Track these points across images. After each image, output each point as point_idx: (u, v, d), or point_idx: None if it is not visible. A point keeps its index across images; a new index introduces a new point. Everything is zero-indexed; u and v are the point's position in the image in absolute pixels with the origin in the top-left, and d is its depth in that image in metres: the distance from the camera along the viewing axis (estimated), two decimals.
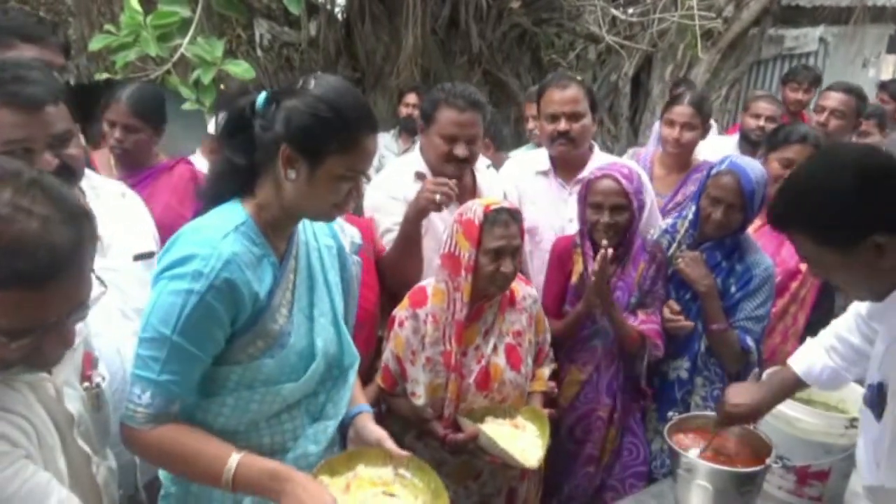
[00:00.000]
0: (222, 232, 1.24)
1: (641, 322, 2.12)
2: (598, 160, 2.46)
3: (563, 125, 2.37)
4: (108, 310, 1.28)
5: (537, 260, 2.41)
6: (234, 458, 1.22)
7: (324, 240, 1.48)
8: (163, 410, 1.23)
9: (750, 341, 2.14)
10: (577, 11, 5.48)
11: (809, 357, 1.73)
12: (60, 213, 0.92)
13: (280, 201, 1.29)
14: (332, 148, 1.24)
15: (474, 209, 1.83)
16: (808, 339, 1.77)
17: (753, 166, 2.16)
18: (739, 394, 1.76)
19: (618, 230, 2.08)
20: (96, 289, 1.02)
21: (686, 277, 2.16)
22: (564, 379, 2.15)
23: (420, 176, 2.34)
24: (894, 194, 1.17)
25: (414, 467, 1.37)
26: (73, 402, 1.15)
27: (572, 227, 2.30)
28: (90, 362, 1.23)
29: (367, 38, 5.32)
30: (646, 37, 5.80)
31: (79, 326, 1.13)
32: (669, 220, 2.36)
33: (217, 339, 1.25)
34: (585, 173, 2.37)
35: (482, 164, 2.56)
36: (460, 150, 2.16)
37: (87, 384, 1.19)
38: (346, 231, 1.60)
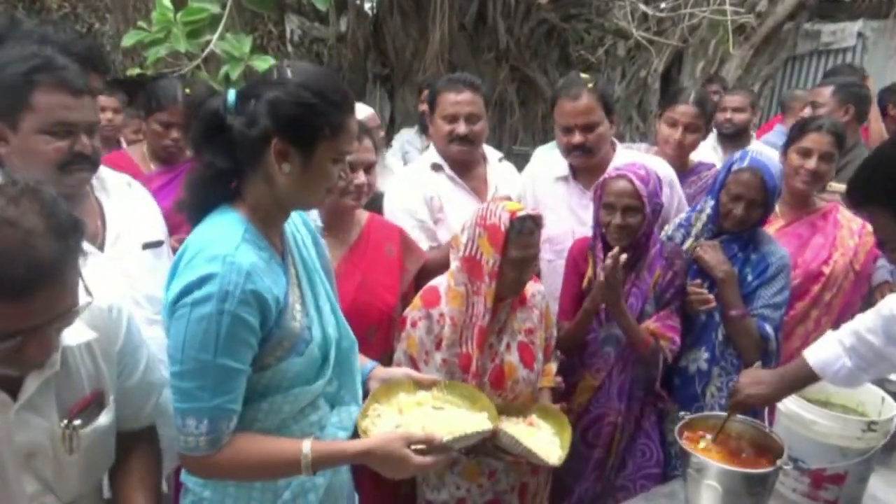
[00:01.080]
0: (233, 244, 1.21)
1: (657, 318, 2.11)
2: (621, 159, 2.41)
3: (577, 138, 2.32)
4: (121, 299, 1.29)
5: (558, 269, 2.32)
6: (307, 447, 1.26)
7: (301, 228, 1.48)
8: (224, 431, 1.24)
9: (769, 328, 2.12)
10: (607, 7, 5.43)
11: (827, 352, 1.70)
12: (48, 225, 0.93)
13: (273, 197, 1.28)
14: (323, 134, 1.23)
15: (499, 214, 1.80)
16: (829, 332, 1.75)
17: (773, 162, 2.15)
18: (753, 382, 1.76)
19: (630, 232, 2.05)
20: (83, 298, 1.03)
21: (704, 265, 2.15)
22: (578, 385, 2.14)
23: (436, 167, 2.38)
24: None
25: (445, 386, 1.57)
26: (35, 433, 1.10)
27: None
28: (91, 402, 1.18)
29: (396, 34, 5.35)
30: (676, 32, 5.71)
31: (89, 368, 1.15)
32: (683, 214, 2.34)
33: (253, 346, 1.24)
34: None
35: (494, 156, 2.57)
36: (461, 128, 2.31)
37: (65, 421, 1.14)
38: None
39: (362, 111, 2.56)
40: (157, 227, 1.80)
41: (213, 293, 1.16)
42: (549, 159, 2.62)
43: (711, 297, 2.14)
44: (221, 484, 1.35)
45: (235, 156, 1.24)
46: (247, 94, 1.24)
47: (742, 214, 2.10)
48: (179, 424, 1.22)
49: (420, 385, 1.53)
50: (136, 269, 1.69)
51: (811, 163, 2.37)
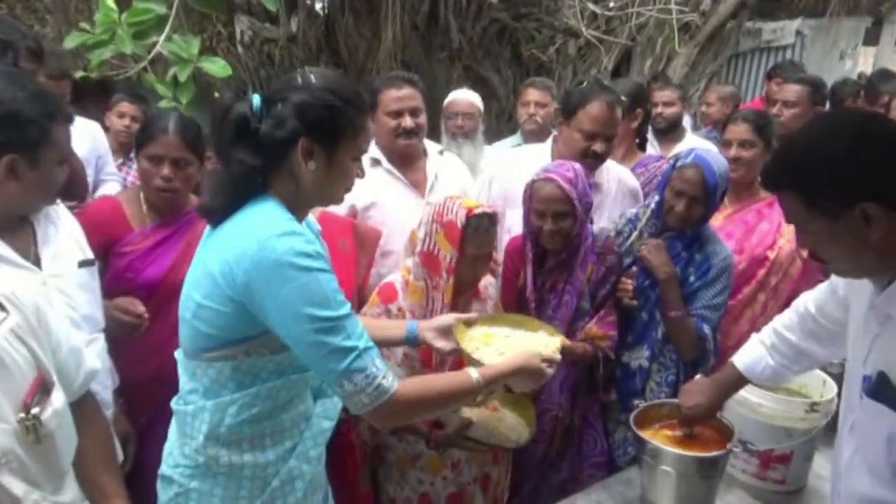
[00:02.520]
0: (287, 216, 1.30)
1: (596, 319, 2.13)
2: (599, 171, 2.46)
3: (599, 146, 2.32)
4: (59, 319, 1.27)
5: None
6: (474, 372, 1.46)
7: (306, 229, 1.54)
8: (388, 365, 1.32)
9: (707, 329, 2.16)
10: (556, 6, 5.51)
11: (752, 354, 1.74)
12: None
13: (299, 194, 1.35)
14: (346, 133, 1.33)
15: (456, 211, 1.82)
16: (753, 335, 1.80)
17: (718, 159, 2.17)
18: (693, 395, 1.80)
19: (563, 235, 2.05)
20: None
21: (647, 264, 2.18)
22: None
23: (374, 162, 2.42)
24: (889, 164, 1.12)
25: (486, 319, 1.82)
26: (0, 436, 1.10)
27: None
28: (38, 387, 1.17)
29: (348, 34, 5.33)
30: (624, 31, 5.83)
31: (23, 353, 1.13)
32: (633, 210, 2.37)
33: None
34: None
35: (433, 149, 2.60)
36: (407, 122, 2.37)
37: (21, 415, 1.12)
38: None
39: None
40: (86, 247, 1.76)
41: (306, 251, 1.23)
42: (520, 160, 2.58)
43: (631, 289, 2.18)
44: (210, 474, 1.37)
45: (262, 155, 1.31)
46: (272, 99, 1.32)
47: (683, 211, 2.13)
48: (352, 388, 1.24)
49: (468, 323, 1.75)
50: (74, 288, 1.66)
51: (732, 151, 2.50)
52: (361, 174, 1.42)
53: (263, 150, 1.30)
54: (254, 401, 1.34)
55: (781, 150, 1.29)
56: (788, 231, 2.47)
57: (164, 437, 1.47)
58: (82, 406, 1.35)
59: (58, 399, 1.20)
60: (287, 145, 1.30)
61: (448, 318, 1.75)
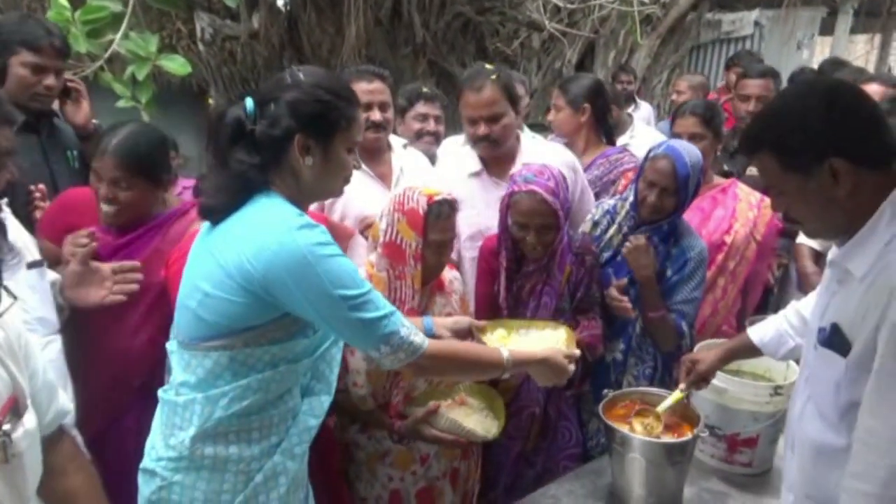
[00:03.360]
0: (295, 210, 1.35)
1: (583, 328, 2.14)
2: (527, 151, 2.44)
3: (482, 129, 2.32)
4: (38, 351, 1.24)
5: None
6: (505, 352, 1.58)
7: None
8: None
9: (684, 325, 2.18)
10: (519, 0, 5.52)
11: (770, 330, 1.80)
12: None
13: (299, 189, 1.40)
14: (340, 126, 1.38)
15: (417, 199, 1.82)
16: (772, 316, 1.85)
17: (690, 150, 2.18)
18: (704, 353, 1.88)
19: (545, 246, 2.05)
20: (5, 299, 1.01)
21: (630, 263, 2.18)
22: (499, 385, 2.08)
23: None
24: (855, 122, 1.23)
25: (495, 323, 1.93)
26: None
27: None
28: (11, 406, 1.14)
29: (311, 30, 5.27)
30: (587, 24, 5.88)
31: (1, 374, 1.10)
32: (611, 202, 2.39)
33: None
34: (517, 166, 2.40)
35: (398, 143, 2.60)
36: (376, 115, 2.36)
37: None
38: None
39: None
40: (32, 248, 1.72)
41: (324, 241, 1.31)
42: (459, 155, 2.59)
43: (630, 308, 2.18)
44: (194, 467, 1.38)
45: (259, 154, 1.36)
46: (265, 100, 1.36)
47: (655, 201, 2.14)
48: (388, 350, 1.36)
49: (479, 327, 1.86)
50: (24, 290, 1.61)
51: None
52: (358, 165, 1.47)
53: (261, 150, 1.35)
54: (245, 393, 1.36)
55: (758, 114, 1.39)
56: (743, 216, 2.53)
57: (120, 440, 1.45)
58: (61, 444, 1.31)
59: (30, 421, 1.17)
60: (283, 143, 1.35)
61: (463, 320, 1.85)
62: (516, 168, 2.38)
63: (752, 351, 1.82)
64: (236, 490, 1.39)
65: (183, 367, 1.41)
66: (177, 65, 3.12)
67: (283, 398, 1.42)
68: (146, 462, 1.44)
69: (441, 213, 1.83)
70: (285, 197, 1.38)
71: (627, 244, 2.20)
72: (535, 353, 1.65)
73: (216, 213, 1.39)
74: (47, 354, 1.55)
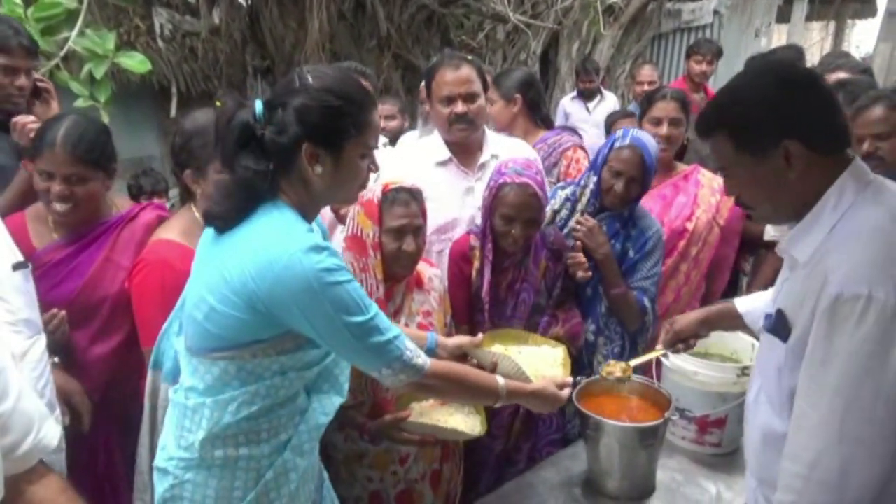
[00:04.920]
0: (305, 226, 1.32)
1: (563, 321, 2.15)
2: (493, 141, 2.44)
3: (460, 107, 2.27)
4: (21, 380, 1.18)
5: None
6: (501, 381, 1.61)
7: (315, 227, 1.55)
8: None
9: (647, 301, 2.24)
10: None
11: (757, 302, 1.81)
12: None
13: (310, 196, 1.36)
14: (349, 133, 1.32)
15: (373, 189, 1.82)
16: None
17: (650, 140, 2.24)
18: (682, 317, 1.90)
19: (528, 239, 2.06)
20: None
21: (585, 246, 2.22)
22: None
23: None
24: (812, 106, 1.24)
25: (490, 337, 1.93)
26: None
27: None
28: None
29: (273, 25, 5.21)
30: (550, 15, 5.91)
31: None
32: (569, 190, 2.40)
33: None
34: (485, 157, 2.40)
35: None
36: None
37: None
38: None
39: None
40: (16, 249, 1.67)
41: (331, 267, 1.27)
42: (423, 146, 2.53)
43: (585, 260, 2.19)
44: (205, 466, 1.38)
45: (268, 160, 1.31)
46: (273, 104, 1.31)
47: (622, 191, 2.18)
48: (390, 373, 1.37)
49: (476, 344, 1.86)
50: (10, 292, 1.57)
51: (663, 129, 2.56)
52: (375, 168, 1.41)
53: (269, 156, 1.30)
54: (253, 399, 1.36)
55: (717, 95, 1.39)
56: (705, 201, 2.57)
57: (85, 454, 1.42)
58: (48, 478, 1.20)
59: (9, 438, 1.11)
60: (291, 151, 1.30)
61: (459, 339, 1.86)
62: (484, 158, 2.39)
63: (733, 319, 1.83)
64: (247, 487, 1.39)
65: (191, 371, 1.40)
66: (136, 62, 3.05)
67: (292, 398, 1.43)
68: (158, 460, 1.45)
69: (396, 199, 1.81)
70: (294, 205, 1.34)
71: (578, 227, 2.22)
72: (527, 388, 1.68)
73: (221, 221, 1.34)
74: (32, 356, 1.52)
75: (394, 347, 1.35)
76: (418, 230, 1.85)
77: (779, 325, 1.30)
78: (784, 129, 1.22)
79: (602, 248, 2.20)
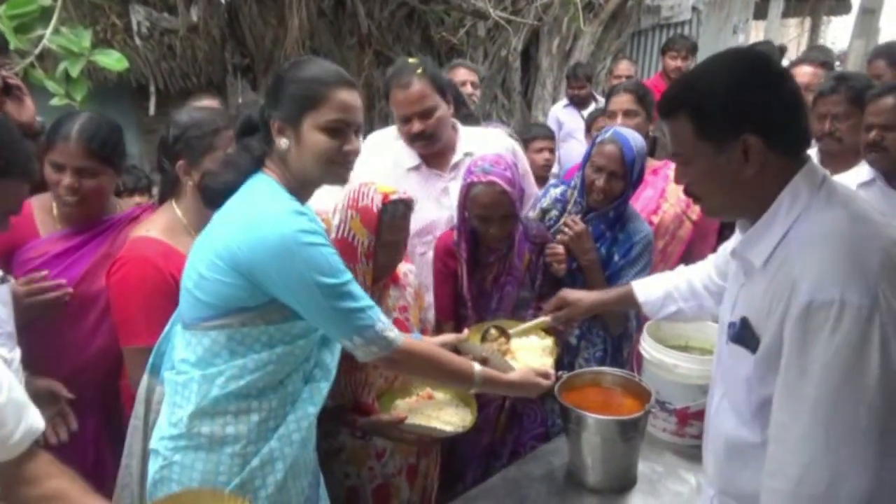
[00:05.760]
0: (286, 195, 1.41)
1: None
2: (466, 138, 2.43)
3: (416, 126, 2.27)
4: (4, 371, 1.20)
5: (430, 261, 2.27)
6: (477, 367, 1.64)
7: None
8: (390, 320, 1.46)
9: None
10: None
11: (653, 284, 1.90)
12: None
13: (291, 172, 1.45)
14: (305, 106, 1.40)
15: (371, 196, 1.79)
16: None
17: (634, 136, 2.24)
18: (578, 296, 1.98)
19: (508, 236, 2.06)
20: None
21: (573, 250, 2.21)
22: None
23: None
24: (776, 100, 1.20)
25: (473, 332, 1.94)
26: None
27: None
28: None
29: (252, 22, 5.17)
30: (531, 11, 5.92)
31: None
32: (560, 190, 2.41)
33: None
34: (458, 156, 2.39)
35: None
36: None
37: None
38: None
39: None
40: None
41: (309, 229, 1.34)
42: (395, 150, 2.51)
43: (563, 253, 2.19)
44: (192, 447, 1.43)
45: (258, 140, 1.48)
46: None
47: (603, 185, 2.18)
48: (361, 342, 1.40)
49: (463, 339, 1.89)
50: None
51: (617, 121, 2.61)
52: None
53: (259, 136, 1.47)
54: (241, 373, 1.40)
55: (682, 75, 1.38)
56: (673, 195, 2.60)
57: (76, 452, 1.42)
58: (37, 456, 1.26)
59: None
60: (267, 128, 1.44)
61: (444, 337, 1.87)
62: (457, 158, 2.39)
63: (633, 304, 1.90)
64: (232, 472, 1.42)
65: (184, 346, 1.46)
66: (112, 60, 3.01)
67: (284, 383, 1.46)
68: (152, 442, 1.49)
69: (396, 213, 1.80)
70: (281, 182, 1.43)
71: (565, 229, 2.20)
72: (503, 377, 1.71)
73: (217, 195, 1.45)
74: (13, 366, 1.52)
75: (366, 316, 1.39)
76: (407, 240, 1.90)
77: (745, 335, 1.26)
78: (746, 123, 1.19)
79: (588, 255, 2.20)
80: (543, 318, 1.97)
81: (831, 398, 1.09)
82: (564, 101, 5.05)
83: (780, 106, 1.21)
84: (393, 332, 1.44)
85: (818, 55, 4.00)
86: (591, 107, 4.69)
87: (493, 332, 2.02)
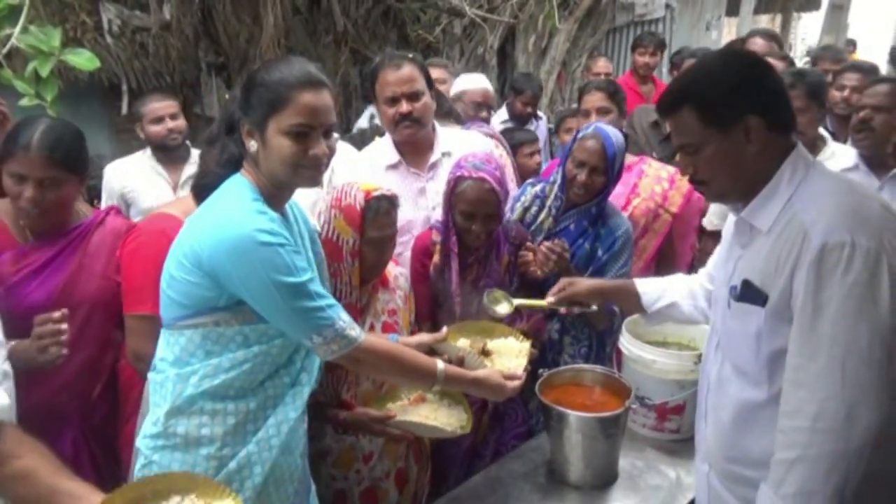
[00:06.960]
0: (252, 195, 1.40)
1: (528, 317, 2.16)
2: (444, 138, 2.43)
3: (404, 107, 2.26)
4: None
5: (408, 261, 2.25)
6: (441, 365, 1.60)
7: (301, 225, 1.62)
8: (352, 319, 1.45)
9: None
10: None
11: (656, 281, 1.93)
12: None
13: (263, 174, 1.44)
14: (268, 110, 1.39)
15: (354, 195, 1.79)
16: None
17: (615, 132, 2.26)
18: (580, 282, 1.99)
19: (488, 234, 2.06)
20: None
21: (558, 270, 2.14)
22: None
23: None
24: (771, 86, 1.36)
25: (454, 331, 1.90)
26: None
27: (437, 216, 2.23)
28: None
29: (227, 20, 5.10)
30: (507, 9, 5.93)
31: None
32: (539, 187, 2.41)
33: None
34: (436, 156, 2.39)
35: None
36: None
37: None
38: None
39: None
40: None
41: (267, 229, 1.34)
42: (373, 148, 2.52)
43: (531, 258, 2.17)
44: (169, 446, 1.43)
45: (235, 143, 1.48)
46: None
47: (585, 180, 2.18)
48: (320, 341, 1.39)
49: (439, 339, 1.85)
50: None
51: (591, 119, 2.64)
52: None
53: (236, 137, 1.47)
54: (216, 372, 1.40)
55: (681, 75, 1.51)
56: (646, 190, 2.63)
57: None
58: (3, 433, 1.22)
59: None
60: (239, 130, 1.45)
61: (420, 337, 1.86)
62: (435, 157, 2.39)
63: (629, 296, 1.92)
64: (208, 475, 1.40)
65: (163, 345, 1.47)
66: (83, 59, 2.95)
67: (264, 384, 1.45)
68: (137, 440, 1.50)
69: (379, 209, 1.80)
70: (256, 185, 1.43)
71: (542, 251, 2.13)
72: (468, 375, 1.68)
73: (203, 195, 1.47)
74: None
75: (325, 315, 1.38)
76: (394, 237, 1.88)
77: (749, 293, 1.35)
78: (747, 105, 1.32)
79: (568, 273, 2.13)
80: (546, 301, 1.95)
81: (847, 334, 1.19)
82: (504, 115, 4.44)
83: (773, 90, 1.37)
84: (354, 331, 1.43)
85: (833, 54, 4.18)
86: (533, 125, 4.32)
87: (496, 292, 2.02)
